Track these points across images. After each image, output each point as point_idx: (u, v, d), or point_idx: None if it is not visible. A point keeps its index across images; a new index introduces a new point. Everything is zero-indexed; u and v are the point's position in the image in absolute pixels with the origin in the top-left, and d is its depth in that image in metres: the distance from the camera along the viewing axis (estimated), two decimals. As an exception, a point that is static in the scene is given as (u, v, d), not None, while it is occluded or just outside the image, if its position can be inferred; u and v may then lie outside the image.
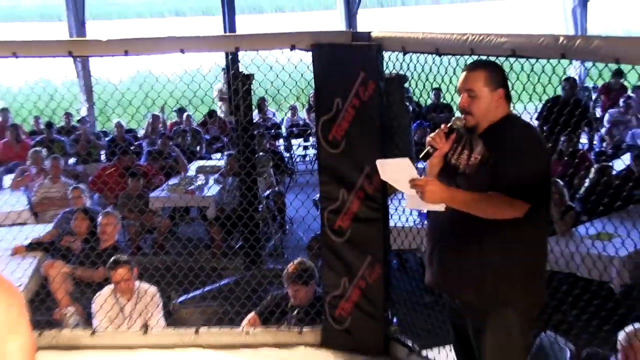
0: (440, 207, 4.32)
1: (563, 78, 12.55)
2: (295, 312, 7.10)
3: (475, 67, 4.53)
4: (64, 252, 9.32)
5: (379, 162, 4.58)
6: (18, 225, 10.63)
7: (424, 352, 6.34)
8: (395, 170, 4.52)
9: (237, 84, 9.14)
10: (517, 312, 4.45)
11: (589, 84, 16.86)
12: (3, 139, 15.54)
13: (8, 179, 13.20)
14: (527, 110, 6.13)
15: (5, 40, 7.25)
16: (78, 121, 16.58)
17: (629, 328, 5.40)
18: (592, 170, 10.47)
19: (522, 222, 4.25)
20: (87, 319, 7.77)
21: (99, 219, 9.27)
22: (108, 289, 7.55)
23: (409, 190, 4.36)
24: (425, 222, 4.99)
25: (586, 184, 10.22)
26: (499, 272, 4.37)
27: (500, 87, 4.44)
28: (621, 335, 5.40)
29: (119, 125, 15.82)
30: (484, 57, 5.00)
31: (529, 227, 4.32)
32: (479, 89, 4.40)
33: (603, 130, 14.60)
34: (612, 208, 8.76)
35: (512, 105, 4.60)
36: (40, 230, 10.26)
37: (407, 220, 7.47)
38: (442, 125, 4.58)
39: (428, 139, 4.60)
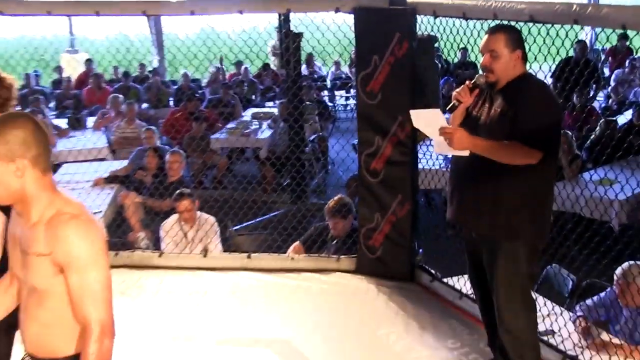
0: (465, 153, 4.34)
1: (575, 41, 12.48)
2: (334, 242, 7.09)
3: (497, 30, 4.52)
4: (137, 184, 9.38)
5: (413, 112, 4.62)
6: (98, 161, 10.74)
7: (445, 279, 6.33)
8: (426, 120, 4.54)
9: (288, 42, 9.10)
10: (525, 244, 4.50)
11: (598, 47, 16.57)
12: (87, 86, 15.62)
13: (91, 121, 13.26)
14: (542, 69, 6.08)
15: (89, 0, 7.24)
16: (150, 71, 16.61)
17: (625, 264, 5.38)
18: (599, 123, 10.42)
19: (533, 167, 4.26)
20: (155, 243, 7.81)
21: (167, 156, 9.32)
22: (174, 217, 7.58)
23: (438, 137, 4.38)
24: (449, 166, 5.00)
25: (593, 136, 10.15)
26: (511, 209, 4.40)
27: (518, 48, 4.43)
28: (618, 271, 5.39)
29: (185, 75, 15.89)
30: (505, 22, 4.93)
31: (539, 172, 4.34)
32: (500, 50, 4.39)
33: (609, 88, 14.35)
34: (614, 157, 8.69)
35: (528, 64, 4.58)
36: (117, 165, 10.34)
37: (433, 163, 7.42)
38: (467, 82, 4.60)
39: (454, 93, 4.64)
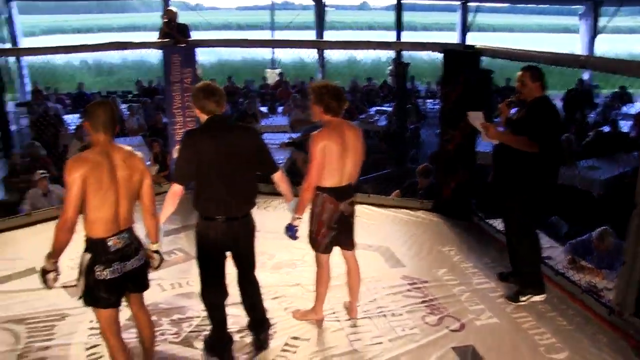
0: (496, 141, 4.51)
1: (577, 78, 12.13)
2: (420, 191, 6.95)
3: (526, 68, 4.46)
4: (305, 148, 9.41)
5: (469, 113, 4.77)
6: (282, 133, 10.88)
7: (487, 220, 6.15)
8: (475, 117, 4.69)
9: (400, 68, 8.95)
10: (531, 197, 4.43)
11: (594, 83, 15.72)
12: (279, 88, 15.79)
13: (280, 109, 13.45)
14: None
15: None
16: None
17: (600, 228, 5.25)
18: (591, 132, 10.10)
19: (536, 154, 4.26)
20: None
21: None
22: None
23: (482, 129, 4.58)
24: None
25: (587, 139, 9.71)
26: (525, 175, 4.37)
27: (538, 80, 4.37)
28: (595, 232, 5.27)
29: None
30: (534, 63, 4.75)
31: (540, 157, 4.28)
32: (526, 81, 4.37)
33: (598, 110, 13.61)
34: (599, 153, 8.66)
35: (546, 91, 4.47)
36: (294, 136, 10.40)
37: (484, 148, 7.21)
38: (506, 100, 4.71)
39: (500, 106, 4.72)
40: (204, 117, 3.52)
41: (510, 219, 4.60)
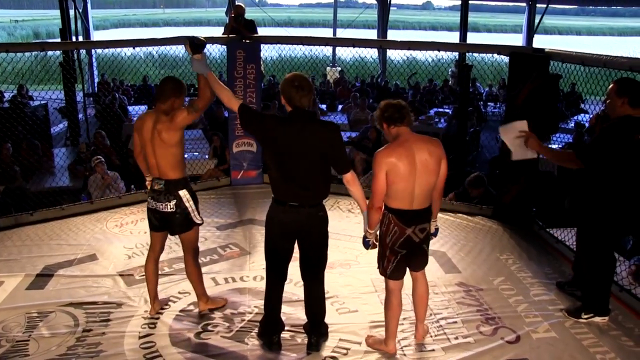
0: (533, 155, 4.24)
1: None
2: (475, 200, 6.74)
3: (616, 80, 4.04)
4: (362, 147, 9.32)
5: (501, 128, 4.49)
6: (341, 132, 10.77)
7: (547, 229, 5.93)
8: (512, 131, 4.37)
9: (462, 70, 8.76)
10: (612, 222, 4.09)
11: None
12: (339, 87, 15.73)
13: (339, 107, 13.37)
14: None
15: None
16: (376, 80, 16.49)
17: None
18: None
19: (619, 179, 3.95)
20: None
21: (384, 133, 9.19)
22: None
23: (516, 146, 4.31)
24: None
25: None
26: (606, 200, 4.02)
27: (624, 96, 3.88)
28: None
29: (396, 84, 15.66)
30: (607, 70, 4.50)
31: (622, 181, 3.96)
32: (612, 94, 3.95)
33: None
34: None
35: None
36: (352, 135, 10.31)
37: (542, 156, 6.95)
38: (596, 113, 4.49)
39: (591, 117, 4.42)
40: (288, 108, 3.53)
41: (585, 241, 4.22)
